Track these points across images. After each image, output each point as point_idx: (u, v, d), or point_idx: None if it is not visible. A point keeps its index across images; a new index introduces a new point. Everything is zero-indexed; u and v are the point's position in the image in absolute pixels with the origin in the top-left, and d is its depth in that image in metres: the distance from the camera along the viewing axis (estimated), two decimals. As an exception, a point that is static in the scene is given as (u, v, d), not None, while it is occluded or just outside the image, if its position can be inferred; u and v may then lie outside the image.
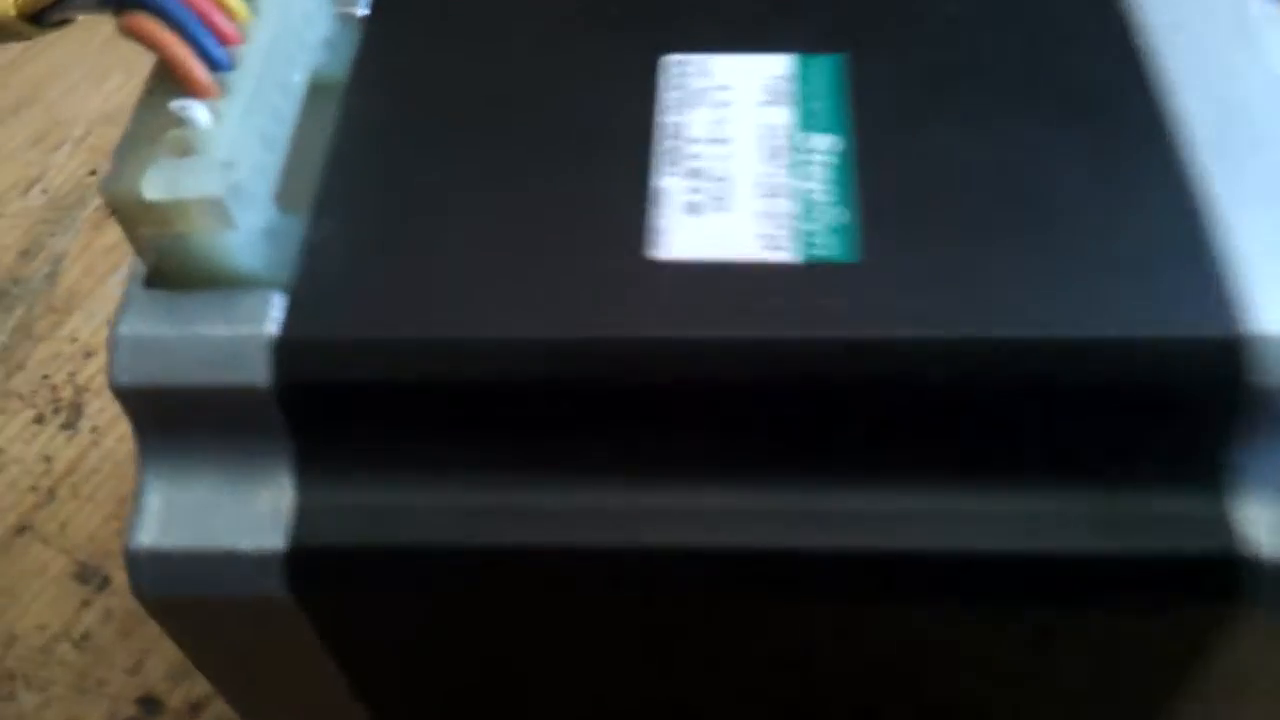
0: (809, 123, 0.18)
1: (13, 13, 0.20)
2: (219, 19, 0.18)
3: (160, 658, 0.28)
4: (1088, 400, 0.16)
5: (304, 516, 0.17)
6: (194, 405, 0.17)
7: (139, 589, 0.17)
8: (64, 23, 0.20)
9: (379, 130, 0.19)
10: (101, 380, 0.33)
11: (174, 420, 0.17)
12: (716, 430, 0.17)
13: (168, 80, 0.17)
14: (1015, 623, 0.18)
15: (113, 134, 0.38)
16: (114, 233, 0.35)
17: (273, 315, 0.17)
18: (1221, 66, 0.19)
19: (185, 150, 0.17)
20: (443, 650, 0.19)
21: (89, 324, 0.33)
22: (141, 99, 0.17)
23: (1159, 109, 0.18)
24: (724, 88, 0.19)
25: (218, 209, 0.16)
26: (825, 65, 0.19)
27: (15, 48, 0.41)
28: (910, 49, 0.19)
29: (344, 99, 0.19)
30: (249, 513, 0.17)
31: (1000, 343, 0.16)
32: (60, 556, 0.29)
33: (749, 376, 0.16)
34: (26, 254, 0.35)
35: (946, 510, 0.17)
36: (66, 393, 0.32)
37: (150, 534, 0.17)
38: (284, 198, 0.18)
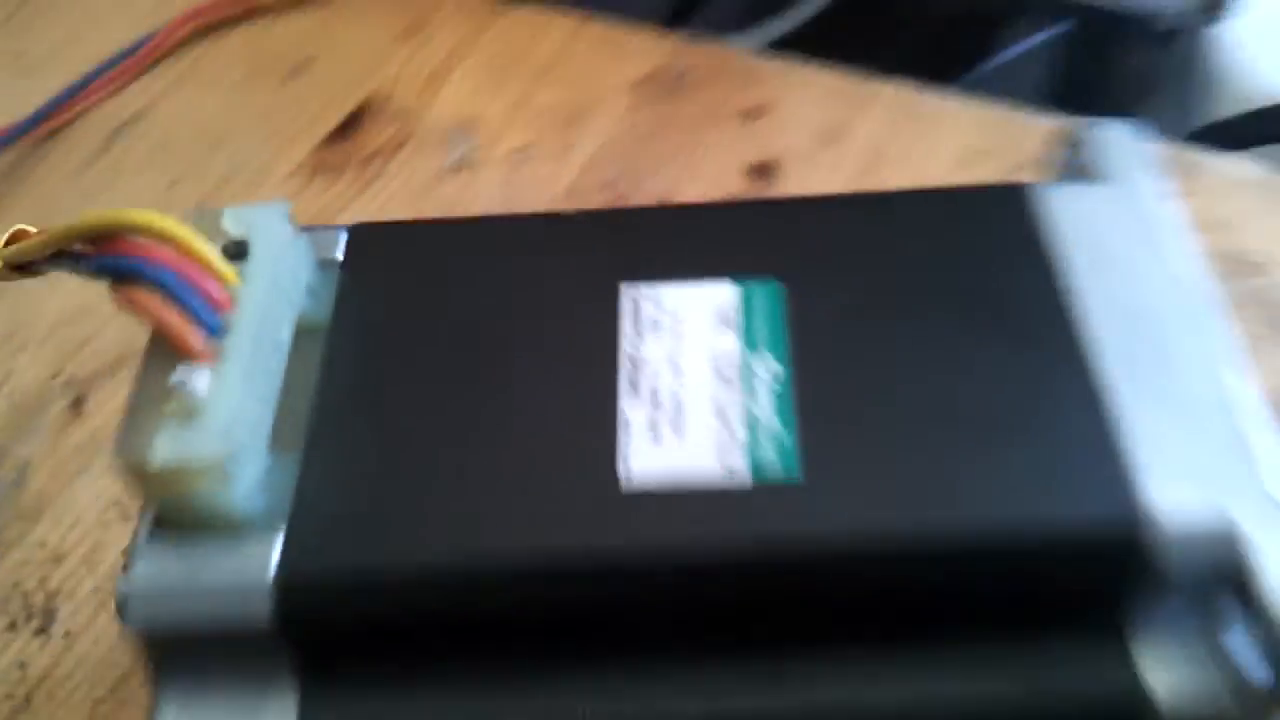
0: (753, 344, 0.20)
1: (-1, 264, 0.21)
2: (211, 286, 0.19)
3: None
4: (1010, 579, 0.18)
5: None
6: (202, 643, 0.18)
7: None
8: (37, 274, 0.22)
9: (361, 370, 0.21)
10: (72, 584, 0.33)
11: (184, 656, 0.18)
12: (687, 631, 0.19)
13: (164, 348, 0.19)
14: None
15: (73, 335, 0.39)
16: (79, 434, 0.36)
17: (270, 558, 0.18)
18: (1130, 278, 0.21)
19: (186, 416, 0.18)
20: None
21: (57, 529, 0.34)
22: (142, 366, 0.19)
23: (1070, 320, 0.20)
24: (676, 317, 0.21)
25: (218, 471, 0.18)
26: (765, 292, 0.21)
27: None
28: (841, 276, 0.21)
29: (326, 342, 0.21)
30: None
31: (924, 535, 0.18)
32: (38, 768, 0.30)
33: (707, 584, 0.18)
34: (-6, 460, 0.36)
35: (879, 673, 0.19)
36: (38, 599, 0.33)
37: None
38: (277, 441, 0.19)
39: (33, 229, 0.21)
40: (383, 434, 0.20)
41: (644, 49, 0.47)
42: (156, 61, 0.49)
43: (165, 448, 0.18)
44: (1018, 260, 0.22)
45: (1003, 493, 0.18)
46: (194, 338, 0.19)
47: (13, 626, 0.32)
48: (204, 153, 0.45)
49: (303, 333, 0.21)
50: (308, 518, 0.19)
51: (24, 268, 0.22)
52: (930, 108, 0.44)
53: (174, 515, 0.18)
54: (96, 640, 0.32)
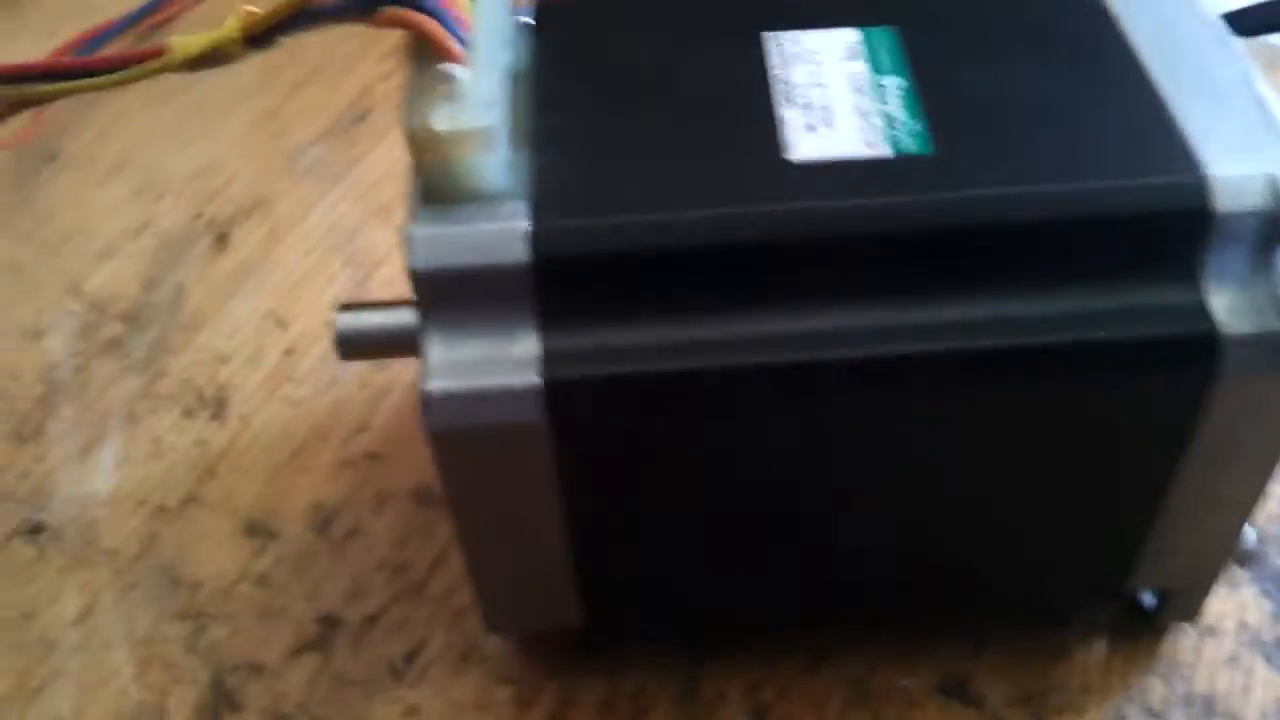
0: (880, 69, 0.26)
1: (237, 35, 0.26)
2: (459, 10, 0.24)
3: (334, 584, 0.33)
4: (1101, 230, 0.24)
5: (549, 360, 0.23)
6: (469, 283, 0.23)
7: (429, 423, 0.23)
8: (274, 44, 0.27)
9: (567, 95, 0.26)
10: (240, 378, 0.38)
11: (452, 295, 0.23)
12: (852, 271, 0.24)
13: (424, 56, 0.24)
14: (1049, 403, 0.25)
15: (207, 184, 0.44)
16: (229, 263, 0.41)
17: (523, 216, 0.23)
18: (1163, 18, 0.27)
19: (456, 97, 0.23)
20: (658, 467, 0.25)
21: (219, 336, 0.39)
22: (408, 71, 0.24)
23: (1121, 44, 0.26)
24: (814, 51, 0.26)
25: (486, 136, 0.23)
26: (882, 34, 0.27)
27: (108, 115, 0.46)
28: (938, 21, 0.27)
29: (533, 80, 0.26)
30: (510, 359, 0.23)
31: (1034, 194, 0.23)
32: (229, 519, 0.34)
33: (870, 230, 0.23)
34: (150, 285, 0.40)
35: (1004, 316, 0.24)
36: (210, 391, 0.37)
37: (437, 381, 0.23)
38: (514, 139, 0.24)
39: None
40: (595, 137, 0.25)
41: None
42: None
43: (445, 117, 0.23)
44: (1079, 9, 0.27)
45: (1095, 166, 0.24)
46: (455, 43, 0.24)
47: (189, 414, 0.37)
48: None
49: (514, 70, 0.26)
50: (545, 192, 0.24)
51: (258, 40, 0.26)
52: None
53: (445, 183, 0.23)
54: (270, 421, 0.37)
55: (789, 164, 0.24)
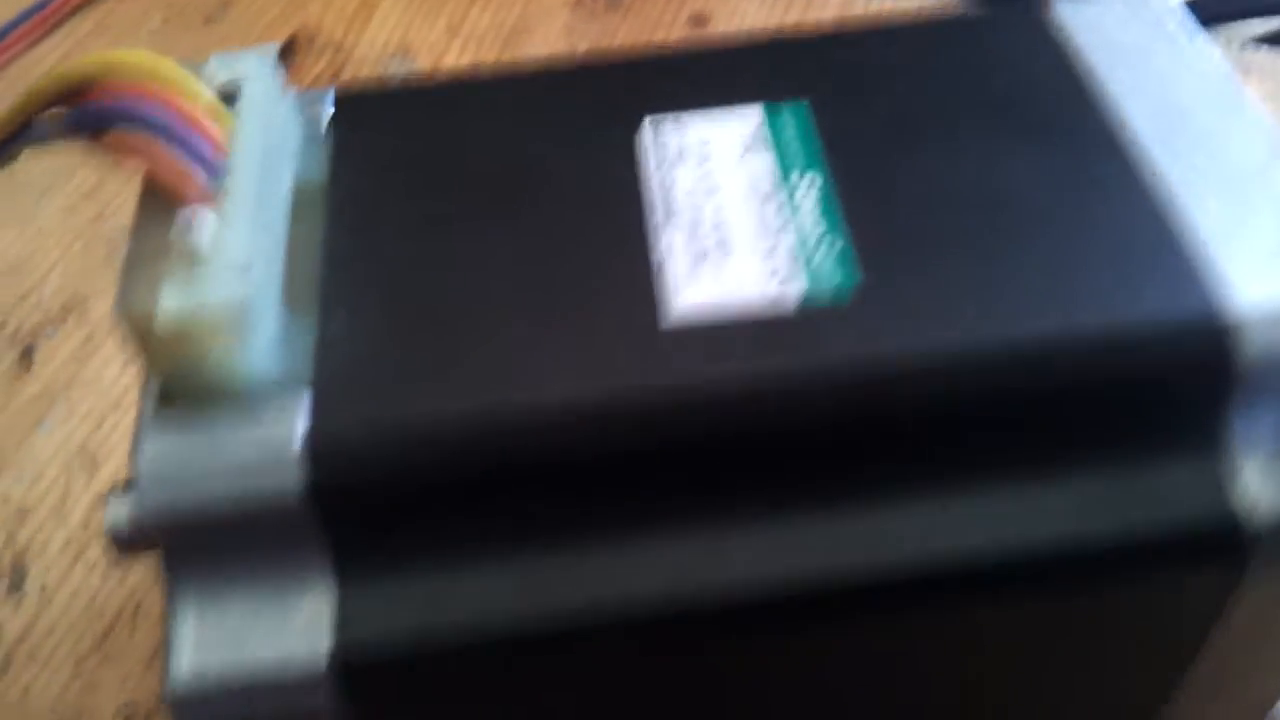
0: (789, 163, 0.19)
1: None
2: (204, 126, 0.18)
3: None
4: (1090, 391, 0.17)
5: (349, 622, 0.17)
6: (226, 523, 0.17)
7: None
8: (10, 159, 0.20)
9: (369, 226, 0.19)
10: (42, 538, 0.31)
11: (206, 542, 0.17)
12: (752, 470, 0.17)
13: (159, 196, 0.17)
14: (1042, 610, 0.19)
15: (13, 286, 0.37)
16: (32, 386, 0.34)
17: (297, 422, 0.17)
18: (1155, 75, 0.20)
19: (193, 263, 0.16)
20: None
21: (20, 484, 0.32)
22: (136, 220, 0.17)
23: (1107, 121, 0.20)
24: (704, 143, 0.20)
25: (232, 321, 0.16)
26: (791, 112, 0.20)
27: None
28: (869, 96, 0.20)
29: (327, 200, 0.19)
30: (291, 626, 0.17)
31: (1004, 348, 0.17)
32: (25, 729, 0.27)
33: (781, 409, 0.17)
34: (-61, 421, 0.33)
35: (974, 514, 0.17)
36: (6, 557, 0.30)
37: (190, 666, 0.17)
38: (290, 299, 0.18)
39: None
40: (401, 288, 0.18)
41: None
42: (68, 15, 0.46)
43: (174, 297, 0.16)
44: (1042, 70, 0.21)
45: (1078, 304, 0.17)
46: (195, 179, 0.17)
47: (-21, 588, 0.30)
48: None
49: (299, 193, 0.19)
50: (332, 377, 0.17)
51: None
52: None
53: (183, 385, 0.17)
54: (75, 593, 0.30)
55: (668, 318, 0.17)
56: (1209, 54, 0.21)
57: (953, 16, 0.22)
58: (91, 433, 0.33)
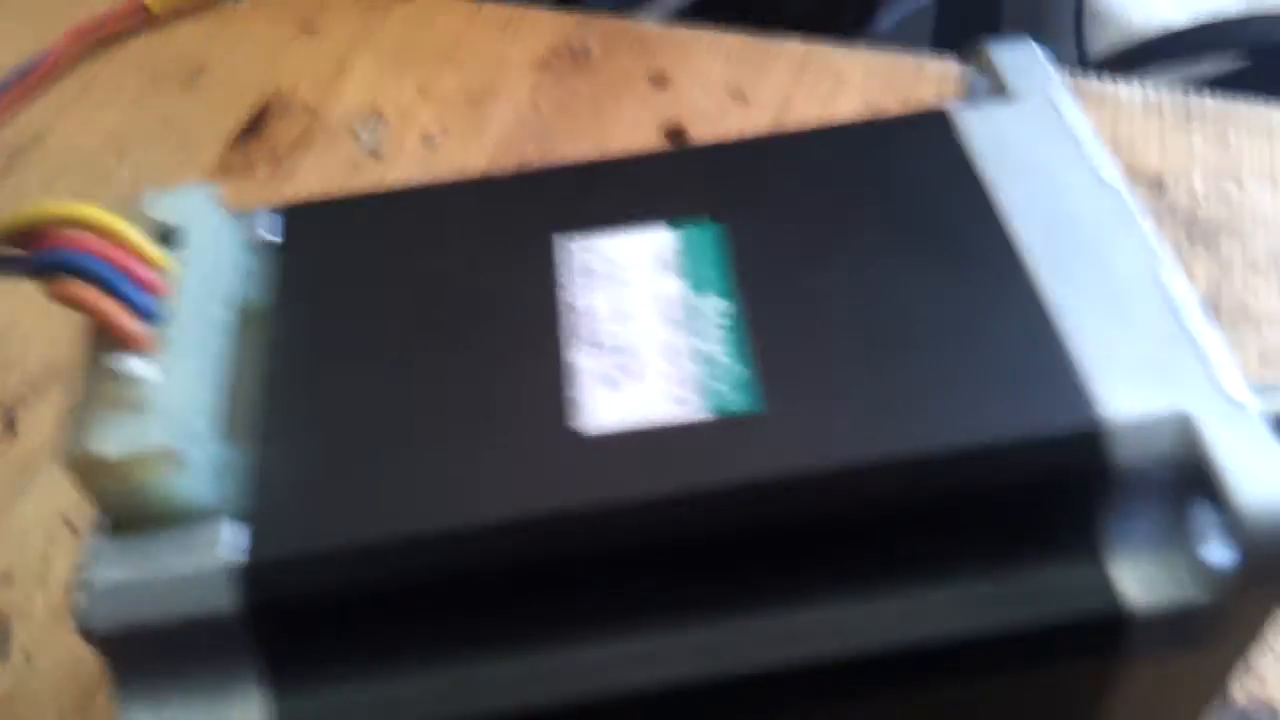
0: (699, 286, 0.21)
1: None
2: (144, 272, 0.19)
3: None
4: (974, 499, 0.19)
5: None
6: (165, 641, 0.18)
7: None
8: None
9: (308, 351, 0.20)
10: (26, 604, 0.33)
11: (148, 657, 0.18)
12: (662, 578, 0.19)
13: (104, 341, 0.19)
14: (939, 697, 0.20)
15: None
16: (15, 453, 0.35)
17: (228, 544, 0.18)
18: (1048, 186, 0.22)
19: (134, 406, 0.18)
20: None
21: (4, 551, 0.33)
22: (83, 361, 0.19)
23: (1002, 234, 0.21)
24: (615, 265, 0.21)
25: (172, 459, 0.18)
26: (704, 233, 0.21)
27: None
28: (778, 211, 0.22)
29: (271, 324, 0.21)
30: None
31: (891, 464, 0.18)
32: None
33: (682, 528, 0.18)
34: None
35: (863, 614, 0.19)
36: (-10, 624, 0.32)
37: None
38: (230, 428, 0.19)
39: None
40: (337, 415, 0.20)
41: (542, 26, 0.48)
42: (49, 82, 0.47)
43: (115, 439, 0.17)
44: (943, 181, 0.22)
45: (960, 413, 0.19)
46: (133, 325, 0.18)
47: (-35, 656, 0.31)
48: (109, 167, 0.44)
49: (247, 316, 0.21)
50: (266, 502, 0.18)
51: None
52: (833, 61, 0.45)
53: (129, 512, 0.18)
54: (58, 659, 0.31)
55: (576, 441, 0.19)
56: (1104, 162, 0.22)
57: (860, 122, 0.24)
58: (75, 500, 0.34)
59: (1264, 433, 0.18)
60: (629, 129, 0.43)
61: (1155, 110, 0.43)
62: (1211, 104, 0.43)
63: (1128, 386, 0.19)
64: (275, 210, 0.23)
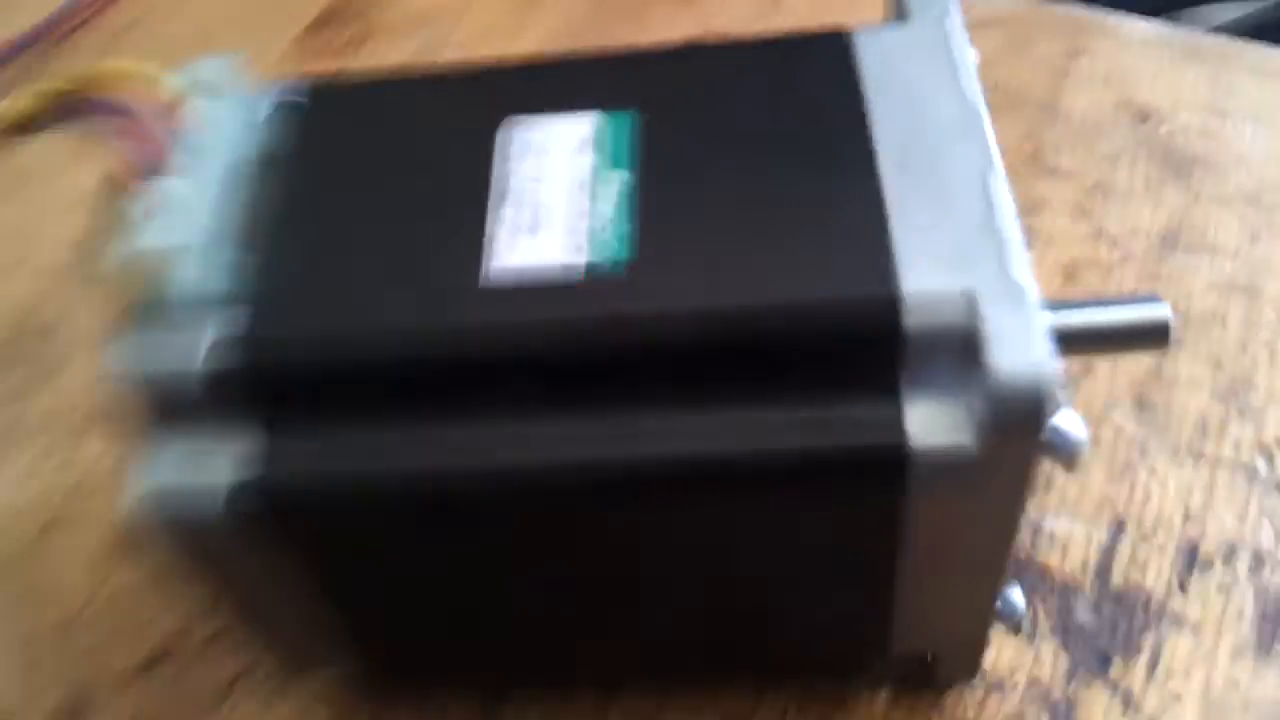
0: (609, 164, 0.26)
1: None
2: (171, 115, 0.25)
3: (186, 601, 0.35)
4: (789, 346, 0.23)
5: (269, 463, 0.24)
6: (171, 392, 0.24)
7: (165, 524, 0.24)
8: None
9: (305, 192, 0.26)
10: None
11: (163, 404, 0.24)
12: (551, 379, 0.24)
13: (134, 169, 0.25)
14: (758, 506, 0.25)
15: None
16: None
17: (223, 324, 0.24)
18: (914, 102, 0.26)
19: (156, 214, 0.24)
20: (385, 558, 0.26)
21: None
22: (96, 207, 0.25)
23: (862, 139, 0.25)
24: (545, 143, 0.26)
25: (189, 252, 0.24)
26: (622, 121, 0.26)
27: None
28: (688, 109, 0.26)
29: (284, 165, 0.26)
30: (230, 462, 0.24)
31: (732, 309, 0.23)
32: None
33: (566, 342, 0.24)
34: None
35: (681, 426, 0.24)
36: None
37: (155, 481, 0.24)
38: (238, 241, 0.25)
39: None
40: (322, 239, 0.25)
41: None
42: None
43: (144, 235, 0.24)
44: (828, 94, 0.26)
45: (787, 276, 0.23)
46: (159, 154, 0.24)
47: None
48: (199, 48, 0.51)
49: (263, 159, 0.27)
50: (263, 294, 0.24)
51: (25, 126, 0.27)
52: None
53: (157, 302, 0.24)
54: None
55: (484, 274, 0.24)
56: (970, 84, 0.26)
57: (776, 37, 0.28)
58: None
59: (1032, 315, 0.23)
60: (664, 33, 0.48)
61: (1155, 45, 0.46)
62: (1211, 42, 0.45)
63: (931, 267, 0.23)
64: (302, 81, 0.28)
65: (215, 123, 0.25)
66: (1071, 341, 0.24)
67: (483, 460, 0.24)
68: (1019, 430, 0.23)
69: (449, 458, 0.24)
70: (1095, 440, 0.35)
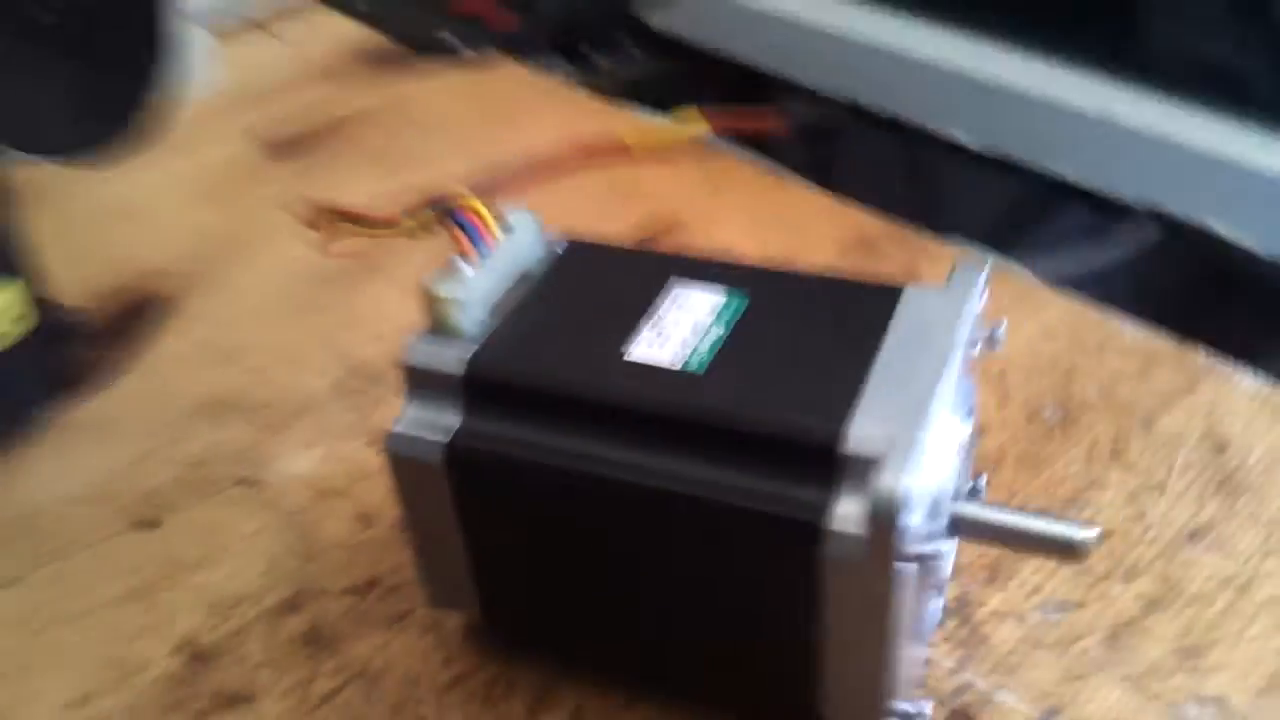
0: (717, 322, 0.41)
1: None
2: (488, 232, 0.43)
3: (394, 555, 0.51)
4: (780, 443, 0.37)
5: (460, 434, 0.41)
6: (433, 380, 0.41)
7: (388, 448, 0.41)
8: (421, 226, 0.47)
9: (546, 295, 0.43)
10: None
11: (424, 387, 0.41)
12: (635, 423, 0.39)
13: (452, 262, 0.43)
14: (721, 548, 0.38)
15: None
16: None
17: (472, 349, 0.41)
18: (920, 327, 0.40)
19: (458, 281, 0.42)
20: (514, 522, 0.42)
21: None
22: (439, 269, 0.43)
23: (877, 343, 0.39)
24: (690, 302, 0.42)
25: (460, 306, 0.41)
26: (737, 298, 0.42)
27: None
28: (774, 304, 0.42)
29: (538, 282, 0.44)
30: (441, 425, 0.41)
31: (734, 410, 0.38)
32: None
33: (642, 406, 0.39)
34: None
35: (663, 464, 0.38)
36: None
37: (400, 427, 0.41)
38: (493, 311, 0.42)
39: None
40: (538, 323, 0.42)
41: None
42: (547, 174, 0.76)
43: (441, 290, 0.41)
44: (868, 314, 0.41)
45: (791, 403, 0.38)
46: (471, 253, 0.42)
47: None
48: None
49: (530, 277, 0.44)
50: (493, 343, 0.41)
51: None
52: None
53: (438, 326, 0.42)
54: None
55: (623, 355, 0.40)
56: (963, 329, 0.40)
57: (857, 279, 0.43)
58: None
59: (916, 466, 0.35)
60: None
61: (1258, 398, 0.56)
62: (1300, 407, 0.55)
63: (872, 422, 0.36)
64: (567, 237, 0.46)
65: (508, 246, 0.43)
66: (990, 534, 0.38)
67: (577, 465, 0.39)
68: (887, 528, 0.35)
69: (561, 459, 0.39)
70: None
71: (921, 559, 0.36)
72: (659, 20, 0.94)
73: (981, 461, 0.46)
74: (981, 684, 0.44)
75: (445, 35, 1.01)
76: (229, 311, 0.69)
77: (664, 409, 0.39)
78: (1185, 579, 0.47)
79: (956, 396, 0.39)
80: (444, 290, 0.41)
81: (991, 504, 0.40)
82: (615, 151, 0.79)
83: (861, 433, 0.36)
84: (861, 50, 0.87)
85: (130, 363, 0.65)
